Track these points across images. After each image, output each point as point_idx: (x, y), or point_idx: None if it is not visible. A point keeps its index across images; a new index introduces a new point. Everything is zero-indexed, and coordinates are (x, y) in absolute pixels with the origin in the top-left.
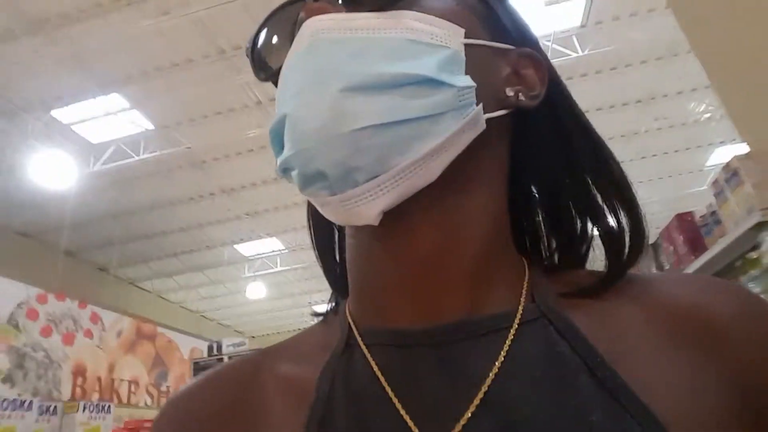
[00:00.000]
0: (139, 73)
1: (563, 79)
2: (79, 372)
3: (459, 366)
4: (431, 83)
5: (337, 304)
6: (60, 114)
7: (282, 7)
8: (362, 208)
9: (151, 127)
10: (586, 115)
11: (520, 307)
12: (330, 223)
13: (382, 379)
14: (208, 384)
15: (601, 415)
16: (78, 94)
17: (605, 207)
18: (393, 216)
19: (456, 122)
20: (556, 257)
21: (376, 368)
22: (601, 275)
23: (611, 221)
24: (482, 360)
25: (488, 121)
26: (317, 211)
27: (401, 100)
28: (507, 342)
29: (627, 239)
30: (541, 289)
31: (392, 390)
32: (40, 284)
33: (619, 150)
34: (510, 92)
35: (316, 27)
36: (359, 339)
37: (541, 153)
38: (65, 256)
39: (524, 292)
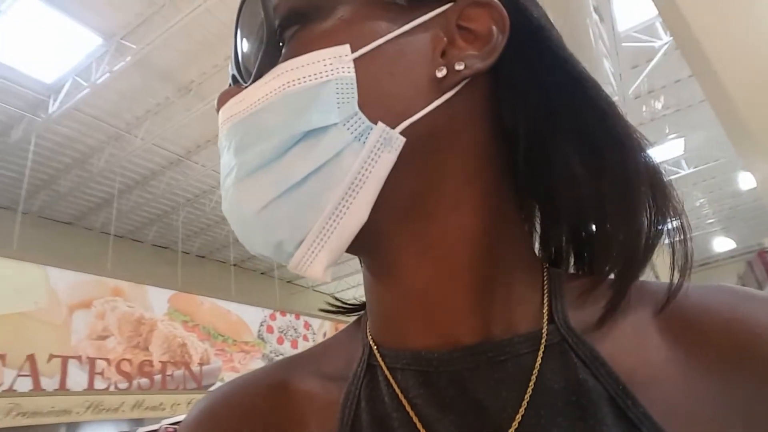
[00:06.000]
0: None
1: None
2: None
3: (485, 394)
4: (312, 134)
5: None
6: None
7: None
8: (309, 270)
9: None
10: None
11: (544, 332)
12: None
13: (406, 404)
14: (241, 388)
15: None
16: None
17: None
18: (376, 254)
19: (355, 156)
20: (572, 261)
21: (399, 393)
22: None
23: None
24: (508, 389)
25: (424, 121)
26: None
27: (291, 164)
28: (534, 372)
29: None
30: (561, 308)
31: (417, 416)
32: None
33: None
34: (440, 73)
35: (222, 117)
36: (380, 361)
37: (526, 118)
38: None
39: (544, 312)
